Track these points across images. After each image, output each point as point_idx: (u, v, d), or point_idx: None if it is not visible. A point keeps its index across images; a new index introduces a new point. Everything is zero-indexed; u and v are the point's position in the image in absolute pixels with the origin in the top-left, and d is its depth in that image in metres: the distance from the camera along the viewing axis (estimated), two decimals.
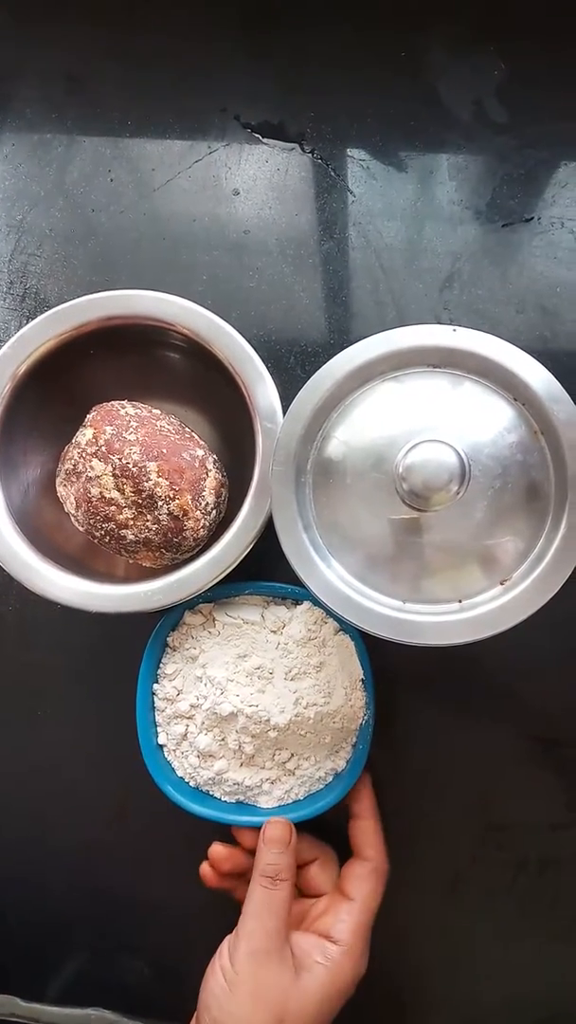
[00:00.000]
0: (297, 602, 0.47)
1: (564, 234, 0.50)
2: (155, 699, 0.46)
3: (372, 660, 0.45)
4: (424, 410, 0.38)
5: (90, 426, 0.43)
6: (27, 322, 0.45)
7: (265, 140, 0.52)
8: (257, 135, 0.52)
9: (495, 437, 0.37)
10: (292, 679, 0.44)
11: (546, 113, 0.51)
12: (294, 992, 0.39)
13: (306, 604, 0.46)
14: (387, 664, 0.45)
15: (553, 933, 0.48)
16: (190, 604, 0.46)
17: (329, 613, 0.45)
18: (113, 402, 0.45)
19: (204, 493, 0.43)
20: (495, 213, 0.51)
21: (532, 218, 0.50)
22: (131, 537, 0.43)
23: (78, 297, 0.44)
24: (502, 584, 0.36)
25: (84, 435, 0.43)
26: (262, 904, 0.41)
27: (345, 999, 0.41)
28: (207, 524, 0.44)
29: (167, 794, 0.44)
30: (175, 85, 0.53)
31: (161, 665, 0.46)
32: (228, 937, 0.41)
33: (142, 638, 0.46)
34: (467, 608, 0.36)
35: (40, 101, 0.53)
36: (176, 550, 0.44)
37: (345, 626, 0.45)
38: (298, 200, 0.52)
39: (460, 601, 0.37)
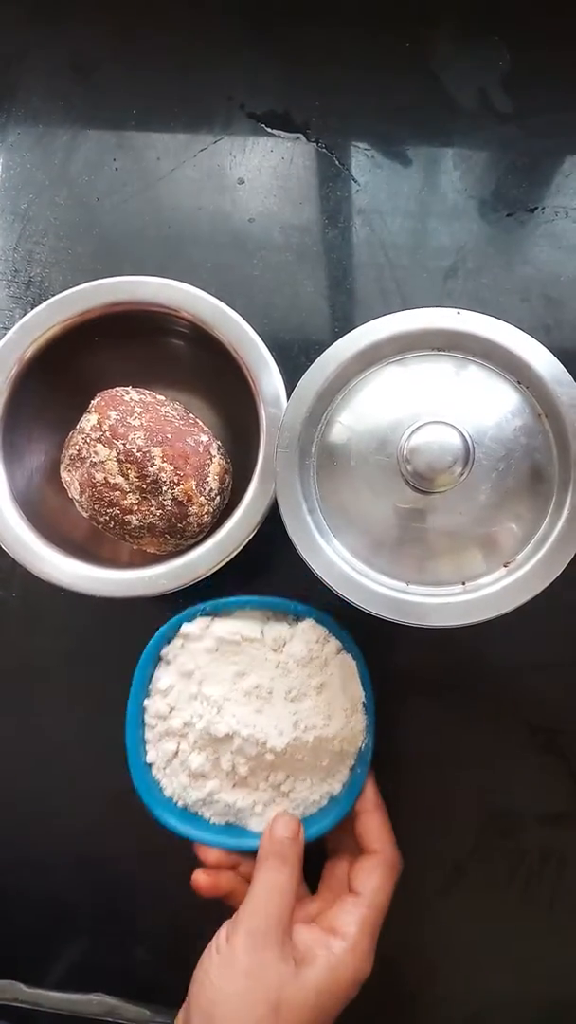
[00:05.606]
0: (299, 619, 0.45)
1: (568, 223, 0.50)
2: (145, 715, 0.45)
3: (375, 652, 0.44)
4: (428, 393, 0.37)
5: (94, 411, 0.43)
6: (32, 310, 0.45)
7: (270, 129, 0.52)
8: (262, 124, 0.52)
9: (499, 420, 0.37)
10: (292, 700, 0.43)
11: (551, 102, 0.51)
12: (292, 983, 0.37)
13: (308, 621, 0.44)
14: (391, 655, 0.45)
15: (554, 923, 0.48)
16: (188, 616, 0.45)
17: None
18: (117, 388, 0.45)
19: (208, 479, 0.43)
20: (499, 202, 0.51)
21: (536, 207, 0.51)
22: (135, 523, 0.43)
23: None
24: (505, 567, 0.36)
25: (88, 420, 0.43)
26: (266, 885, 0.40)
27: (346, 999, 0.39)
28: (211, 510, 0.44)
29: (155, 815, 0.43)
30: (180, 74, 0.53)
31: (154, 679, 0.45)
32: (227, 921, 0.40)
33: (146, 625, 0.45)
34: (470, 590, 0.36)
35: (46, 90, 0.53)
36: (180, 536, 0.44)
37: (347, 645, 0.44)
38: (303, 189, 0.52)
39: (463, 583, 0.36)
